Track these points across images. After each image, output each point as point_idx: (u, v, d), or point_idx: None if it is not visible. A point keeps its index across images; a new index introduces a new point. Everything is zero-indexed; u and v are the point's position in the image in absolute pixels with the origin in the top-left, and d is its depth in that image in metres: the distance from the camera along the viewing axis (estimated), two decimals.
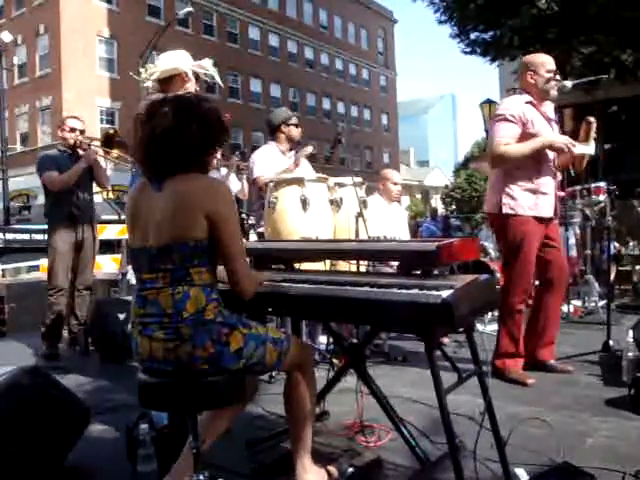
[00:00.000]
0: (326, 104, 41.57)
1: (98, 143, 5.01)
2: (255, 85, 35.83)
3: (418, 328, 2.04)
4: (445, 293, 1.82)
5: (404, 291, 1.94)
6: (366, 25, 46.10)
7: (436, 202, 53.40)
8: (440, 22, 14.41)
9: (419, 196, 59.64)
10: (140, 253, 1.98)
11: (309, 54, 40.68)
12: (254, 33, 36.23)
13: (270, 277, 2.32)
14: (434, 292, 1.84)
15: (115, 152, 4.89)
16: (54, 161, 4.91)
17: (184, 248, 1.90)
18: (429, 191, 63.59)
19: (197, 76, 3.51)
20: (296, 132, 4.81)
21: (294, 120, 4.82)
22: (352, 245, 2.81)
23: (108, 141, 4.96)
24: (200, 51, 3.65)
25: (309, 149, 4.70)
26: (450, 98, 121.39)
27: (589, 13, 10.97)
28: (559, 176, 4.05)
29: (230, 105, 29.01)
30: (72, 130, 4.99)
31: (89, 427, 2.82)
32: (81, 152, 4.95)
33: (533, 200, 3.75)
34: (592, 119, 3.90)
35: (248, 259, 2.63)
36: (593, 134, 3.90)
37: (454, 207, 46.91)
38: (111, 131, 5.18)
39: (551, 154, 3.82)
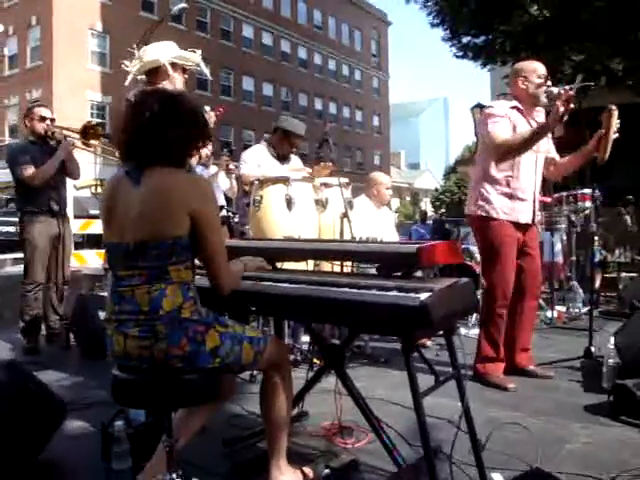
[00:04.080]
0: (318, 104, 41.54)
1: (77, 136, 4.81)
2: (247, 83, 35.74)
3: (396, 330, 2.03)
4: (423, 295, 1.80)
5: (383, 293, 1.92)
6: (360, 26, 46.13)
7: (425, 205, 53.48)
8: (433, 25, 14.47)
9: (408, 199, 59.75)
10: (116, 249, 1.94)
11: (302, 54, 40.65)
12: (248, 31, 36.15)
13: (248, 261, 2.29)
14: (412, 294, 1.83)
15: (93, 142, 4.75)
16: (27, 153, 4.68)
17: (162, 245, 1.87)
18: (419, 194, 63.71)
19: (184, 68, 3.46)
20: (287, 147, 4.63)
21: (296, 132, 4.63)
22: (333, 245, 2.79)
23: (86, 132, 4.77)
24: (193, 48, 3.60)
25: None
26: (442, 101, 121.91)
27: (580, 20, 11.03)
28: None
29: (222, 102, 28.90)
30: (42, 119, 4.79)
31: (65, 423, 2.79)
32: (53, 143, 4.78)
33: (509, 205, 3.74)
34: (613, 107, 3.57)
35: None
36: (615, 122, 3.57)
37: (443, 210, 47.06)
38: (92, 122, 5.03)
39: (532, 159, 3.80)
